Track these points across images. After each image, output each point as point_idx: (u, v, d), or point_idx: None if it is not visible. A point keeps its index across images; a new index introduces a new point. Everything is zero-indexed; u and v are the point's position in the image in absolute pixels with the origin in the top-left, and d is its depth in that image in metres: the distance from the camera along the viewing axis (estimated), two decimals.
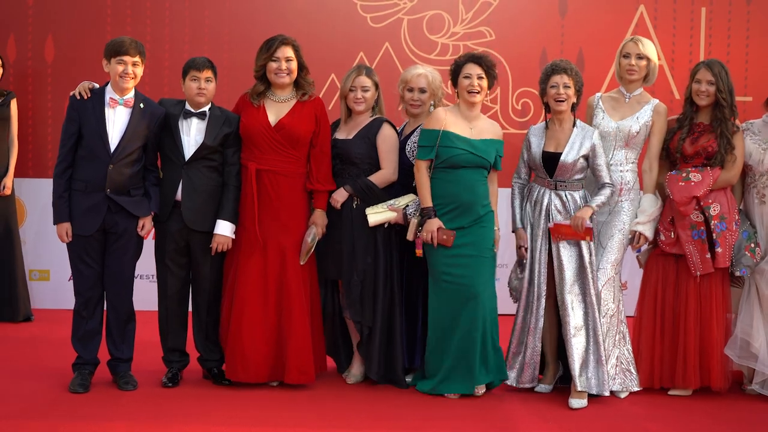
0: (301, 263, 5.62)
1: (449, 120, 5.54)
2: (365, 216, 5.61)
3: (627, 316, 5.75)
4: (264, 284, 5.58)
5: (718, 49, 8.12)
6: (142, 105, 5.47)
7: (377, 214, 5.61)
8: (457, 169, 5.51)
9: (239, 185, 5.60)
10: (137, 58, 5.41)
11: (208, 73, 5.55)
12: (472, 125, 5.57)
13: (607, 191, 5.52)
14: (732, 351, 5.63)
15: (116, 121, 5.41)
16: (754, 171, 5.70)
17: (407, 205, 5.62)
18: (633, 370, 5.65)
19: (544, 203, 5.52)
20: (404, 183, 5.77)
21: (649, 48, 5.80)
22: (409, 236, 5.56)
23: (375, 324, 5.66)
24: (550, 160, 5.52)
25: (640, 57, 5.76)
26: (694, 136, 5.67)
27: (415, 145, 5.67)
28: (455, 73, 5.60)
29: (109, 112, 5.40)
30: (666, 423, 5.23)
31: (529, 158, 5.66)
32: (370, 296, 5.65)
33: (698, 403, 5.57)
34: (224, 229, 5.55)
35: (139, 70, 5.44)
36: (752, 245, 5.58)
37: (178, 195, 5.55)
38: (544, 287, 5.53)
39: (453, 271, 5.48)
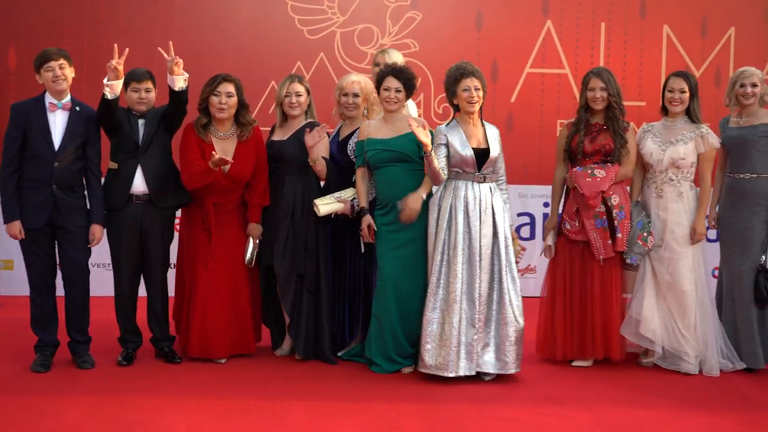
0: (251, 267, 5.80)
1: (371, 130, 5.62)
2: (308, 207, 5.67)
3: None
4: (219, 274, 5.70)
5: (615, 59, 8.28)
6: (78, 108, 5.49)
7: (327, 205, 5.62)
8: (380, 168, 5.58)
9: None
10: (62, 61, 5.40)
11: (147, 84, 5.60)
12: (393, 128, 5.60)
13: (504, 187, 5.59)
14: (626, 330, 5.77)
15: (57, 123, 5.42)
16: (654, 168, 5.79)
17: (354, 198, 5.67)
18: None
19: (470, 195, 5.42)
20: (346, 180, 5.79)
21: (396, 56, 6.08)
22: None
23: (300, 311, 5.75)
24: (481, 155, 5.43)
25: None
26: (592, 136, 5.77)
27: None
28: (378, 83, 5.65)
29: (50, 116, 5.41)
30: (571, 391, 5.38)
31: (455, 156, 5.41)
32: (295, 286, 5.75)
33: (599, 372, 5.73)
34: None
35: (68, 71, 5.44)
36: (645, 234, 5.69)
37: (133, 188, 5.58)
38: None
39: (392, 263, 5.54)
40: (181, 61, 5.43)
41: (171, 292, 5.91)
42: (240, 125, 5.71)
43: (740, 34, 8.47)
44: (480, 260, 5.39)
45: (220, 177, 5.59)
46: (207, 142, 5.63)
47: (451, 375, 5.36)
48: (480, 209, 5.43)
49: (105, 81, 5.35)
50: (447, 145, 5.43)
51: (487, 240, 5.42)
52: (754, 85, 5.82)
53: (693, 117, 5.80)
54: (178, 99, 5.51)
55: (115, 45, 5.44)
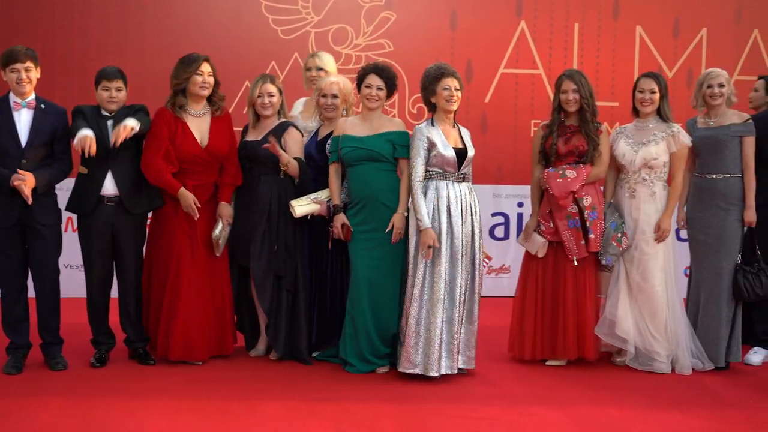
0: (217, 255, 5.72)
1: (348, 126, 5.61)
2: (285, 207, 5.63)
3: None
4: (201, 274, 5.68)
5: (589, 60, 8.33)
6: (43, 106, 5.48)
7: (303, 206, 5.59)
8: (353, 166, 5.57)
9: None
10: (28, 63, 5.39)
11: (118, 83, 5.56)
12: (371, 126, 5.58)
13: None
14: (601, 330, 5.80)
15: (23, 121, 5.41)
16: (627, 169, 5.81)
17: (329, 198, 5.65)
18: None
19: (452, 195, 5.43)
20: (324, 180, 5.72)
21: (326, 59, 6.20)
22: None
23: (279, 310, 5.72)
24: (460, 155, 5.47)
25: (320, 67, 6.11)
26: (566, 137, 5.80)
27: None
28: (359, 80, 5.65)
29: (15, 114, 5.40)
30: (546, 390, 5.39)
31: (437, 156, 5.40)
32: (273, 285, 5.71)
33: (572, 372, 5.75)
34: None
35: (33, 74, 5.43)
36: (619, 235, 5.71)
37: (103, 190, 5.53)
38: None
39: (365, 263, 5.52)
40: (127, 126, 5.35)
41: None
42: (212, 102, 5.75)
43: (712, 35, 8.55)
44: (461, 259, 5.41)
45: (199, 152, 5.61)
46: (181, 121, 5.63)
47: (435, 375, 5.38)
48: (461, 209, 5.45)
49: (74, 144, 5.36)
50: (428, 147, 5.43)
51: (468, 239, 5.45)
52: (721, 86, 5.87)
53: (664, 117, 5.84)
54: (136, 136, 5.51)
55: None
